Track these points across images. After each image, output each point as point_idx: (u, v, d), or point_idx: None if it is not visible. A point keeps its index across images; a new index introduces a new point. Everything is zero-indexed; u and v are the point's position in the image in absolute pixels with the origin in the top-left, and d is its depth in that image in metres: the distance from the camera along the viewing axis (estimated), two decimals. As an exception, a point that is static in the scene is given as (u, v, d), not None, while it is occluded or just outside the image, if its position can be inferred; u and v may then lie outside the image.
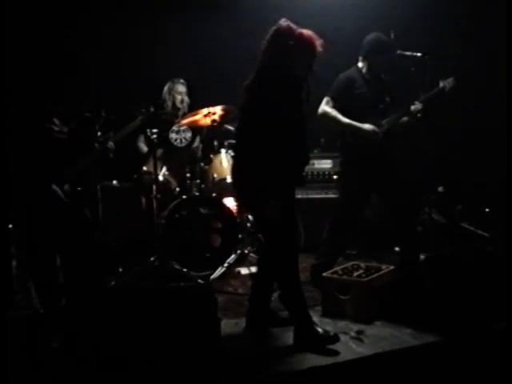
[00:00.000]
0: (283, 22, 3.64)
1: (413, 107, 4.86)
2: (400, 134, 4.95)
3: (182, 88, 6.19)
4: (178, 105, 6.16)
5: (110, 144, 4.56)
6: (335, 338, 3.61)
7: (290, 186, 3.72)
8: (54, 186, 4.14)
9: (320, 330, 3.64)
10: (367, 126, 4.78)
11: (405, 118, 4.91)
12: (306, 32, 3.63)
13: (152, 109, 5.18)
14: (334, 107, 4.82)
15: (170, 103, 6.16)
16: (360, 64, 4.96)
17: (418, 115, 4.86)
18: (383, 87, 4.96)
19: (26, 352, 3.07)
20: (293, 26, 3.65)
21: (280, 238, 3.67)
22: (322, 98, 4.82)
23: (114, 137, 4.68)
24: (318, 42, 3.64)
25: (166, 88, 6.20)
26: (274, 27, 3.64)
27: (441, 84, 4.89)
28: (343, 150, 5.06)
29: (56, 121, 4.24)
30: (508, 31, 5.21)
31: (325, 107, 4.84)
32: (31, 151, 4.05)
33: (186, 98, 6.20)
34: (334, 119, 4.81)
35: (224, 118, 5.79)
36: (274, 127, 3.54)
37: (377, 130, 4.79)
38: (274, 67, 3.59)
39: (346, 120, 4.78)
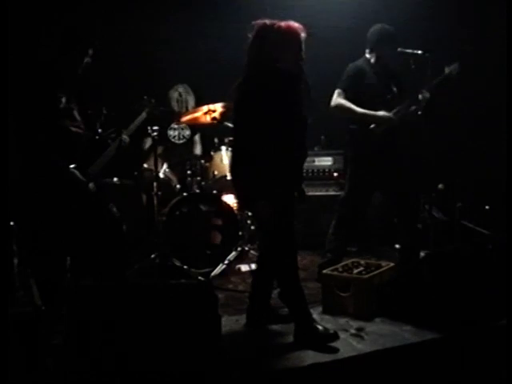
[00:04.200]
0: (261, 20, 3.64)
1: (420, 96, 4.86)
2: (409, 124, 4.95)
3: (185, 95, 6.20)
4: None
5: (125, 138, 4.56)
6: (335, 336, 3.61)
7: (287, 183, 3.70)
8: (75, 173, 4.13)
9: (320, 327, 3.64)
10: (382, 113, 4.80)
11: (413, 107, 4.91)
12: (285, 23, 3.60)
13: (153, 100, 5.21)
14: (346, 98, 4.84)
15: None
16: (368, 55, 4.96)
17: (427, 102, 4.85)
18: (391, 78, 4.97)
19: (26, 349, 3.07)
20: (271, 20, 3.63)
21: (279, 237, 3.67)
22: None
23: (127, 131, 4.69)
24: (300, 29, 3.62)
25: (170, 95, 6.20)
26: (254, 26, 3.63)
27: (446, 70, 4.92)
28: (351, 146, 5.07)
29: (77, 116, 4.24)
30: (508, 30, 5.22)
31: (338, 99, 4.86)
32: (44, 146, 4.05)
33: (191, 103, 6.21)
34: (349, 110, 4.83)
35: (224, 115, 5.80)
36: (267, 125, 3.52)
37: (392, 116, 4.81)
38: (260, 64, 3.58)
39: (360, 110, 4.81)
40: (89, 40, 4.23)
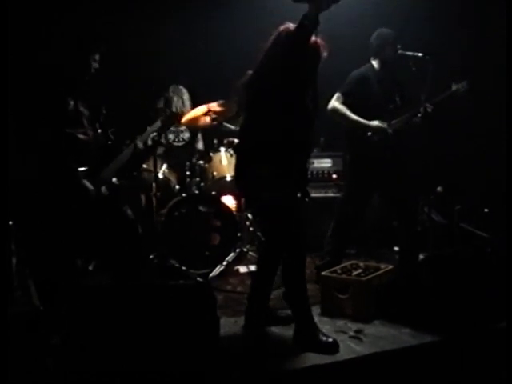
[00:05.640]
0: (294, 25, 3.64)
1: (423, 110, 4.82)
2: (408, 135, 4.94)
3: (175, 98, 6.20)
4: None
5: (139, 144, 4.56)
6: (334, 345, 3.55)
7: (292, 181, 3.71)
8: (85, 182, 4.12)
9: (320, 335, 3.59)
10: (375, 124, 4.79)
11: (414, 120, 4.89)
12: (317, 40, 3.60)
13: (168, 111, 5.23)
14: (345, 103, 4.83)
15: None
16: (373, 62, 4.96)
17: (427, 116, 4.83)
18: (395, 86, 4.97)
19: (25, 348, 3.07)
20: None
21: (285, 236, 3.67)
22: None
23: (141, 137, 4.69)
24: (323, 48, 3.63)
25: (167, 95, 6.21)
26: (285, 28, 3.62)
27: (453, 87, 4.86)
28: (349, 149, 5.07)
29: (85, 122, 4.24)
30: (508, 30, 5.21)
31: (335, 103, 4.86)
32: (53, 153, 4.05)
33: (188, 105, 6.22)
34: (343, 115, 4.83)
35: (223, 114, 5.79)
36: (278, 122, 3.57)
37: (384, 127, 4.79)
38: (276, 68, 3.57)
39: (354, 117, 4.80)
40: (96, 46, 4.23)
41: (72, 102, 4.16)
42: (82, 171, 4.13)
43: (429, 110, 4.83)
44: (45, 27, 5.46)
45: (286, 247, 3.69)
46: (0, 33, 3.48)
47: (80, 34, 4.31)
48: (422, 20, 6.16)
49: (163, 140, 5.74)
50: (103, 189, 4.21)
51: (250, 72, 3.80)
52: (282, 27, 3.65)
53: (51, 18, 5.50)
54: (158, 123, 4.96)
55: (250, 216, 5.80)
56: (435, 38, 5.90)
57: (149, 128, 4.89)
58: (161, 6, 6.31)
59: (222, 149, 5.93)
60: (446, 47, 5.88)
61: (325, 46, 3.64)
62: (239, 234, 5.51)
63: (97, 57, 4.23)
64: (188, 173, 5.75)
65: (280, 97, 3.55)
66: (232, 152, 5.78)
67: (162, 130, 5.54)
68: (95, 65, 4.22)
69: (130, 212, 4.37)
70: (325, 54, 3.65)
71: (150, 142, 5.38)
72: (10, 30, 3.64)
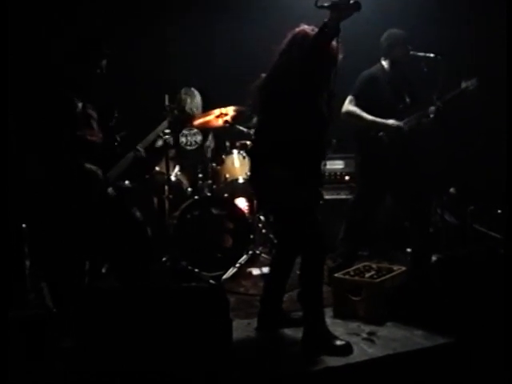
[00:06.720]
0: (309, 27, 3.64)
1: (433, 108, 4.83)
2: (420, 135, 4.93)
3: (188, 100, 6.22)
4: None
5: (140, 150, 4.57)
6: (348, 348, 3.55)
7: (306, 182, 3.71)
8: (91, 166, 4.13)
9: (332, 337, 3.59)
10: (392, 122, 4.80)
11: (424, 119, 4.89)
12: (334, 44, 3.59)
13: (176, 112, 5.22)
14: (358, 105, 4.83)
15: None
16: (383, 62, 4.96)
17: (438, 114, 4.82)
18: (405, 86, 4.96)
19: (36, 351, 3.08)
20: (313, 29, 3.63)
21: (298, 237, 3.68)
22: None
23: (146, 139, 4.69)
24: (339, 50, 3.62)
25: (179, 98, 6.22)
26: (300, 30, 3.64)
27: (463, 85, 4.84)
28: (359, 151, 5.06)
29: (94, 124, 4.26)
30: (508, 30, 5.17)
31: (348, 106, 4.87)
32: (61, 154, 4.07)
33: (200, 107, 6.24)
34: (359, 117, 4.84)
35: (236, 118, 5.79)
36: (292, 124, 3.58)
37: (401, 125, 4.79)
38: (290, 71, 3.57)
39: (370, 117, 4.81)
40: (103, 51, 4.24)
41: (80, 104, 4.18)
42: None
43: (440, 109, 4.82)
44: (46, 27, 5.48)
45: (301, 248, 3.69)
46: (0, 33, 3.50)
47: (81, 34, 4.32)
48: (433, 19, 6.13)
49: (172, 143, 5.71)
50: (110, 190, 4.22)
51: (264, 75, 3.81)
52: (297, 29, 3.66)
53: (51, 17, 5.51)
54: (165, 124, 4.96)
55: (262, 218, 5.80)
56: (445, 37, 5.87)
57: (156, 129, 4.90)
58: (174, 8, 6.32)
59: (235, 151, 5.93)
60: (457, 46, 5.84)
61: (340, 48, 3.63)
62: (252, 236, 5.51)
63: (104, 62, 4.24)
64: (200, 175, 5.75)
65: (294, 98, 3.55)
66: (244, 154, 5.79)
67: (174, 132, 5.53)
68: (100, 70, 4.23)
69: (138, 214, 4.37)
70: (341, 56, 3.65)
71: (160, 144, 5.39)
72: (10, 31, 3.66)
